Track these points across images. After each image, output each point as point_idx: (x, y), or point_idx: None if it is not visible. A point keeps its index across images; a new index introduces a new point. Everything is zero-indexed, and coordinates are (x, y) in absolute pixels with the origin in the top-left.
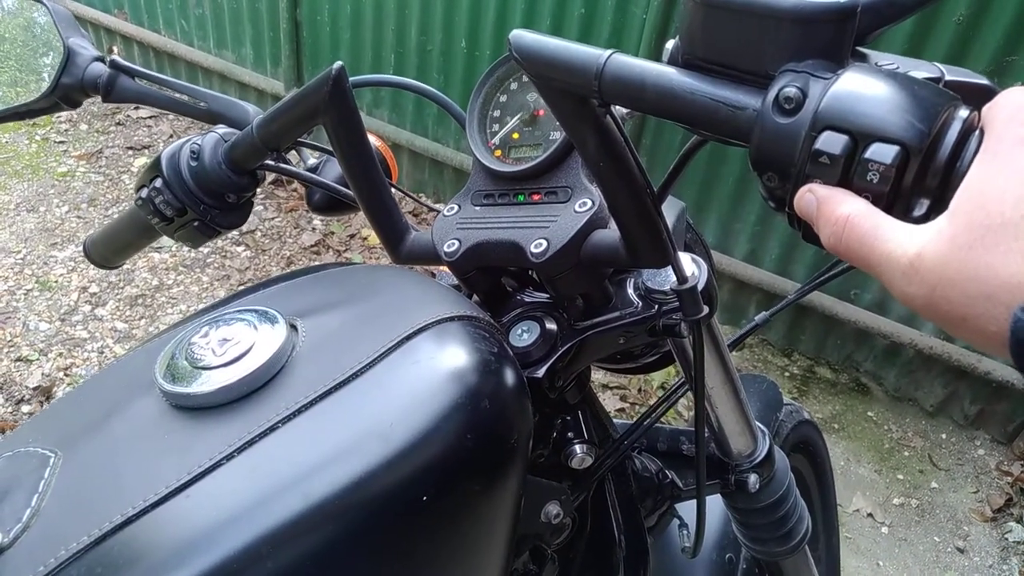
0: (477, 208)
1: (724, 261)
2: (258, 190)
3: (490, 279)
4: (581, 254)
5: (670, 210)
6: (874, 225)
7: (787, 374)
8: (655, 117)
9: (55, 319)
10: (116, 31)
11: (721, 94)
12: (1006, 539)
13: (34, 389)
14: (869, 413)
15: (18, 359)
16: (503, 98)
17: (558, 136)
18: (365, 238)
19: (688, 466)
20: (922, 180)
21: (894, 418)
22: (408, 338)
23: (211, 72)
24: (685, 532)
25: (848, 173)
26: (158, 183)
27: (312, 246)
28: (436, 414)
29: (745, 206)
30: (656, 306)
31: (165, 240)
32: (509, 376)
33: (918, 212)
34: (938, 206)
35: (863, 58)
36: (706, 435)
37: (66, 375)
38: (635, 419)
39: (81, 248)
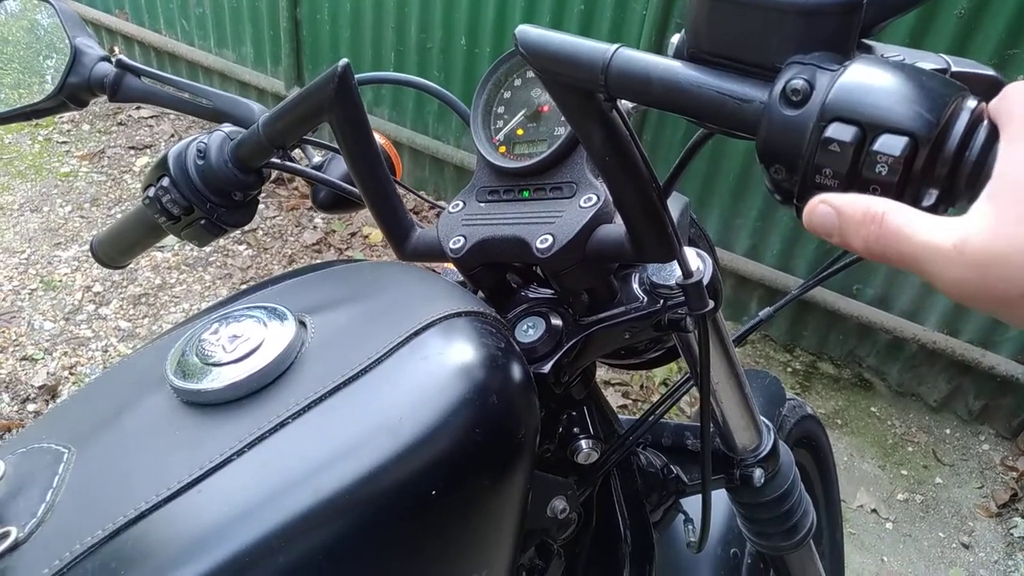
0: (482, 204)
1: (726, 257)
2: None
3: (495, 275)
4: (586, 249)
5: (674, 205)
6: (908, 219)
7: (789, 370)
8: (659, 111)
9: (59, 318)
10: (117, 31)
11: (728, 87)
12: (1011, 534)
13: (39, 388)
14: (872, 409)
15: (23, 358)
16: (507, 95)
17: (562, 132)
18: (366, 236)
19: (693, 461)
20: (931, 170)
21: (897, 413)
22: (416, 334)
23: (211, 71)
24: (690, 527)
25: (857, 164)
26: (165, 182)
27: (314, 244)
28: (445, 409)
29: (746, 201)
30: (661, 301)
31: (168, 239)
32: (516, 371)
33: (927, 202)
34: (947, 196)
35: (869, 50)
36: (711, 430)
37: (71, 374)
38: (639, 415)
39: (85, 247)
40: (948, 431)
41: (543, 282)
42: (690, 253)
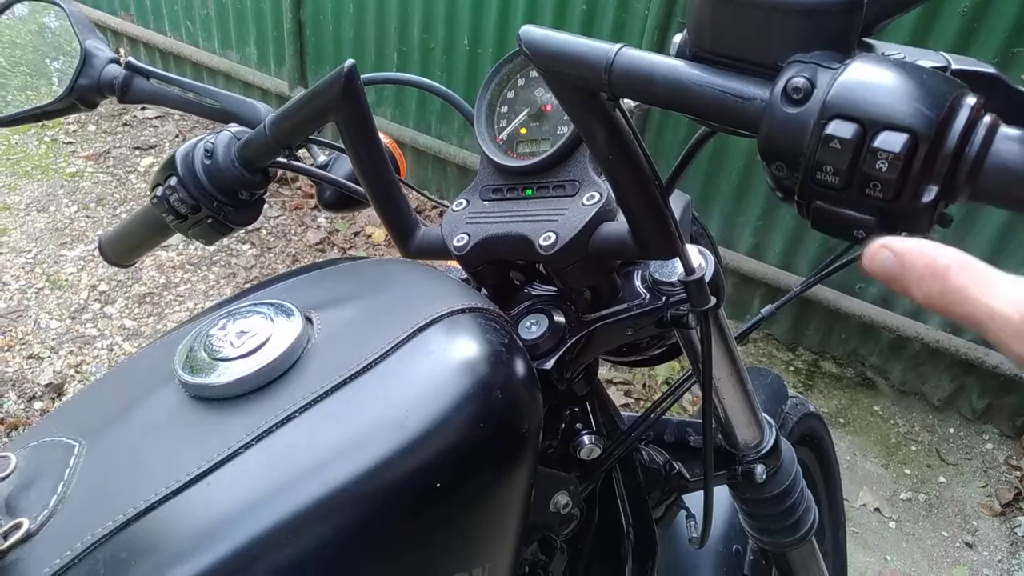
0: (486, 203)
1: (728, 255)
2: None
3: (499, 273)
4: (589, 247)
5: (676, 203)
6: (974, 278)
7: (792, 369)
8: (662, 112)
9: (65, 317)
10: (123, 33)
11: (730, 85)
12: (1015, 533)
13: (46, 386)
14: (875, 407)
15: (30, 356)
16: (510, 94)
17: (566, 131)
18: (369, 235)
19: (695, 457)
20: (931, 166)
21: (900, 412)
22: (420, 330)
23: (216, 72)
24: (692, 523)
25: (857, 160)
26: (173, 181)
27: (317, 244)
28: (449, 403)
29: (749, 200)
30: (664, 298)
31: (173, 239)
32: (520, 367)
33: (927, 198)
34: (947, 192)
35: (870, 49)
36: (713, 426)
37: (77, 372)
38: (641, 412)
39: (91, 247)
40: (951, 430)
41: (546, 279)
42: (692, 250)
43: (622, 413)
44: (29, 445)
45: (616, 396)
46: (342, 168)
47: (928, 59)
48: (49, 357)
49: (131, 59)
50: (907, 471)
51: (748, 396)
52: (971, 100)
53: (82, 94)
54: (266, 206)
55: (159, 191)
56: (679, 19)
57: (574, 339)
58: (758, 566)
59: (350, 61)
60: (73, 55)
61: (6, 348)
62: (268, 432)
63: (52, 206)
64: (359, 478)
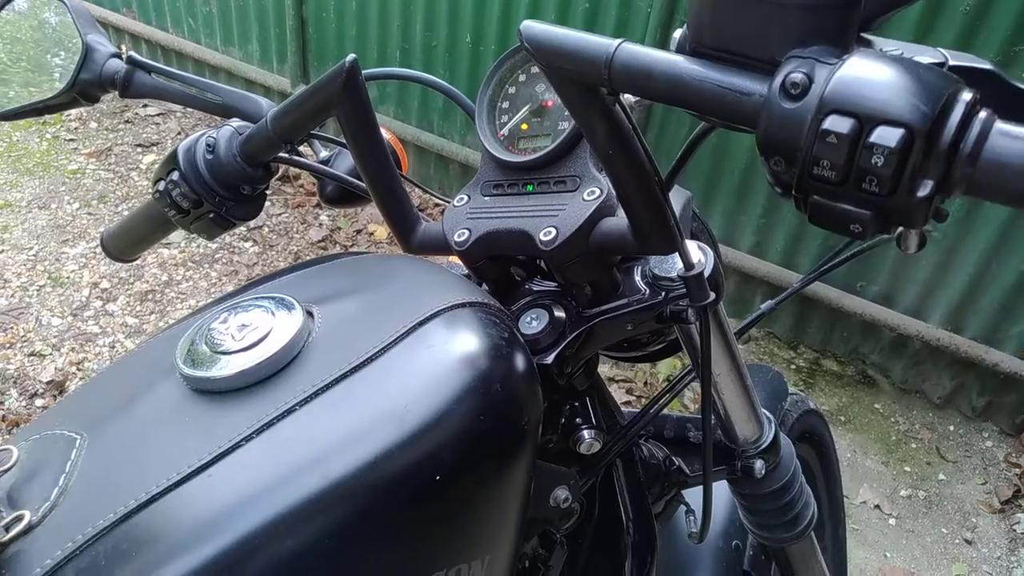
0: (487, 198)
1: (729, 254)
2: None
3: (499, 268)
4: (589, 242)
5: (676, 198)
6: None
7: (793, 367)
8: (663, 109)
9: (67, 314)
10: (124, 30)
11: (728, 81)
12: (1014, 530)
13: (47, 383)
14: (876, 405)
15: (31, 354)
16: (512, 90)
17: (566, 126)
18: (371, 233)
19: (695, 453)
20: (927, 161)
21: (901, 410)
22: (421, 324)
23: (218, 69)
24: (692, 518)
25: (854, 155)
26: (175, 176)
27: (319, 241)
28: (449, 397)
29: (750, 199)
30: (663, 293)
31: (174, 236)
32: (520, 361)
33: (923, 193)
34: (943, 187)
35: (868, 44)
36: (712, 421)
37: (78, 369)
38: (642, 408)
39: (92, 244)
40: (951, 428)
41: (546, 275)
42: (691, 246)
43: (623, 410)
44: (31, 438)
45: (618, 394)
46: (344, 163)
47: (925, 55)
48: (51, 354)
49: (133, 54)
50: (907, 468)
51: (747, 392)
52: (967, 95)
53: (84, 88)
54: (268, 204)
55: (161, 186)
56: (681, 16)
57: (574, 334)
58: (757, 561)
59: (351, 56)
60: (74, 50)
61: (8, 345)
62: (269, 425)
63: (54, 203)
64: (360, 470)
